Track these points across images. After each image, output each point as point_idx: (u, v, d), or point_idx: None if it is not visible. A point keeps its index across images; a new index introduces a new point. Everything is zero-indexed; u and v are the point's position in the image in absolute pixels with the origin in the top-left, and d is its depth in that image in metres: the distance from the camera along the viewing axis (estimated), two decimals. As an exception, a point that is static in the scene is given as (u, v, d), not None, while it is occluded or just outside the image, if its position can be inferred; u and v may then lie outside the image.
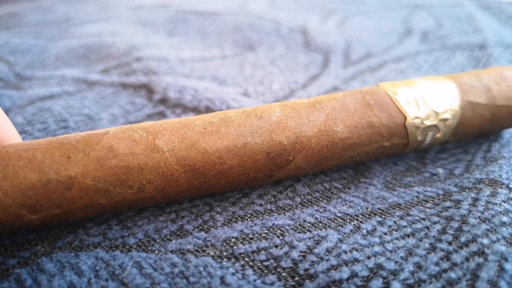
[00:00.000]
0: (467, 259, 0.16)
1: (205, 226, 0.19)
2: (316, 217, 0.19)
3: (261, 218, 0.19)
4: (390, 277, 0.16)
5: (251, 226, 0.18)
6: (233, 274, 0.16)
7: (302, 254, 0.17)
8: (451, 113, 0.21)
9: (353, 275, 0.16)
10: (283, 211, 0.19)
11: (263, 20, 0.48)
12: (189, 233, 0.18)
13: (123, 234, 0.18)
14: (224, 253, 0.17)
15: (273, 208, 0.20)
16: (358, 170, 0.22)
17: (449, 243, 0.17)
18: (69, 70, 0.35)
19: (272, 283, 0.16)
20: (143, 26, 0.47)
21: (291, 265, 0.16)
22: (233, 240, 0.18)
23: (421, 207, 0.20)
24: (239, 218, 0.19)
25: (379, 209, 0.20)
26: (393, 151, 0.21)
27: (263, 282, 0.16)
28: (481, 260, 0.16)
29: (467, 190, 0.20)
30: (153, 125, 0.18)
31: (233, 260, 0.17)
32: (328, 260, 0.17)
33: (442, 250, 0.17)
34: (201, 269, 0.16)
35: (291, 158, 0.19)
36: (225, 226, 0.18)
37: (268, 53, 0.40)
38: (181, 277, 0.16)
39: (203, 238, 0.18)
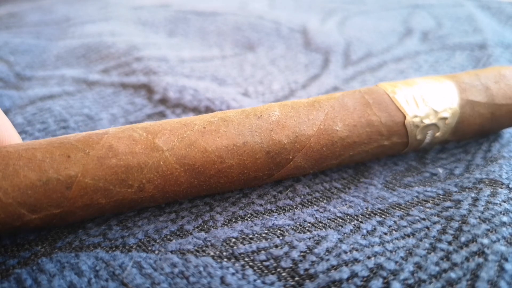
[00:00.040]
0: (467, 259, 0.16)
1: (205, 226, 0.19)
2: (316, 217, 0.19)
3: (261, 218, 0.19)
4: (390, 277, 0.16)
5: (251, 226, 0.18)
6: (233, 274, 0.16)
7: (302, 254, 0.17)
8: (450, 111, 0.21)
9: (353, 275, 0.16)
10: (283, 211, 0.19)
11: (263, 20, 0.48)
12: (189, 233, 0.18)
13: (123, 234, 0.18)
14: (224, 253, 0.17)
15: (273, 208, 0.20)
16: (358, 170, 0.22)
17: (449, 243, 0.17)
18: (69, 70, 0.35)
19: (272, 283, 0.16)
20: (143, 26, 0.47)
21: (291, 265, 0.16)
22: (233, 240, 0.18)
23: (421, 207, 0.20)
24: (239, 218, 0.19)
25: (379, 209, 0.20)
26: (393, 151, 0.21)
27: (263, 282, 0.16)
28: (481, 260, 0.16)
29: (467, 190, 0.20)
30: (152, 124, 0.18)
31: (233, 260, 0.17)
32: (328, 260, 0.17)
33: (442, 250, 0.17)
34: (201, 269, 0.16)
35: (290, 157, 0.19)
36: (225, 226, 0.18)
37: (268, 53, 0.40)
38: (181, 277, 0.16)
39: (203, 238, 0.18)
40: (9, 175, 0.15)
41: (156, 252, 0.17)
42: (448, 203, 0.20)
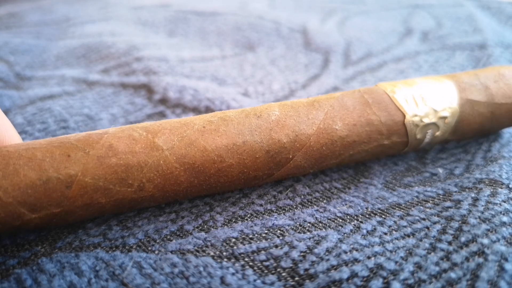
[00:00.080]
0: (467, 259, 0.16)
1: (205, 226, 0.19)
2: (316, 217, 0.19)
3: (261, 218, 0.19)
4: (390, 277, 0.16)
5: (251, 226, 0.18)
6: (233, 274, 0.16)
7: (302, 254, 0.17)
8: (450, 111, 0.21)
9: (353, 275, 0.16)
10: (283, 211, 0.19)
11: (263, 20, 0.48)
12: (189, 233, 0.18)
13: (123, 234, 0.18)
14: (224, 253, 0.17)
15: (273, 208, 0.20)
16: (358, 170, 0.22)
17: (449, 243, 0.17)
18: (69, 70, 0.35)
19: (272, 283, 0.16)
20: (143, 26, 0.47)
21: (291, 265, 0.16)
22: (233, 240, 0.18)
23: (421, 207, 0.20)
24: (239, 218, 0.19)
25: (379, 209, 0.20)
26: (393, 150, 0.21)
27: (263, 282, 0.16)
28: (481, 260, 0.16)
29: (467, 190, 0.20)
30: (152, 124, 0.18)
31: (233, 260, 0.17)
32: (328, 260, 0.17)
33: (442, 250, 0.17)
34: (201, 269, 0.16)
35: (290, 156, 0.19)
36: (225, 226, 0.18)
37: (268, 53, 0.40)
38: (181, 277, 0.16)
39: (203, 238, 0.18)
40: (9, 174, 0.15)
41: (156, 252, 0.17)
42: (448, 203, 0.20)
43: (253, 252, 0.17)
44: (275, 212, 0.19)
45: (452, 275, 0.16)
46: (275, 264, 0.16)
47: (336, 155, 0.20)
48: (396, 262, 0.16)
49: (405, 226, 0.18)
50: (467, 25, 0.45)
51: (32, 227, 0.16)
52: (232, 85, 0.33)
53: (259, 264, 0.17)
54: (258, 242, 0.18)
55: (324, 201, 0.20)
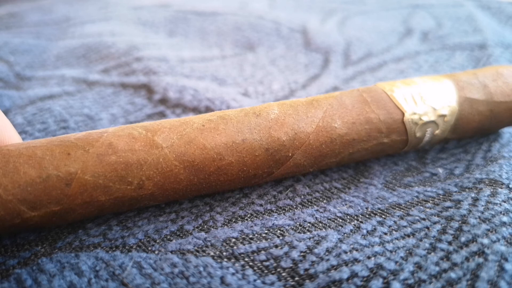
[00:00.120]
0: (467, 259, 0.16)
1: (205, 226, 0.19)
2: (316, 217, 0.19)
3: (261, 218, 0.19)
4: (390, 277, 0.16)
5: (251, 226, 0.18)
6: (233, 274, 0.16)
7: (302, 254, 0.17)
8: (448, 109, 0.21)
9: (353, 275, 0.16)
10: (283, 211, 0.19)
11: (263, 20, 0.48)
12: (189, 233, 0.18)
13: (123, 235, 0.18)
14: (224, 253, 0.17)
15: (273, 208, 0.20)
16: (358, 170, 0.22)
17: (449, 243, 0.17)
18: (69, 70, 0.35)
19: (272, 283, 0.16)
20: (143, 26, 0.47)
21: (291, 265, 0.16)
22: (233, 240, 0.18)
23: (421, 207, 0.20)
24: (239, 218, 0.19)
25: (379, 209, 0.20)
26: (393, 149, 0.21)
27: (263, 282, 0.16)
28: (481, 260, 0.16)
29: (467, 190, 0.20)
30: (152, 123, 0.18)
31: (233, 260, 0.17)
32: (328, 260, 0.17)
33: (442, 250, 0.17)
34: (201, 269, 0.16)
35: (290, 154, 0.19)
36: (225, 226, 0.18)
37: (268, 53, 0.40)
38: (181, 277, 0.16)
39: (203, 238, 0.18)
40: (9, 172, 0.15)
41: (156, 252, 0.17)
42: (448, 203, 0.20)
43: (253, 252, 0.17)
44: (275, 212, 0.19)
45: (452, 275, 0.16)
46: (275, 264, 0.16)
47: (335, 153, 0.20)
48: (396, 262, 0.16)
49: (405, 226, 0.18)
50: (467, 25, 0.45)
51: (32, 225, 0.16)
52: (232, 85, 0.33)
53: (259, 264, 0.17)
54: (258, 242, 0.18)
55: (324, 201, 0.20)
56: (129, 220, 0.19)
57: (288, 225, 0.19)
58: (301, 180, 0.22)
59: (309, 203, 0.20)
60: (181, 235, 0.18)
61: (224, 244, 0.18)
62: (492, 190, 0.20)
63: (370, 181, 0.21)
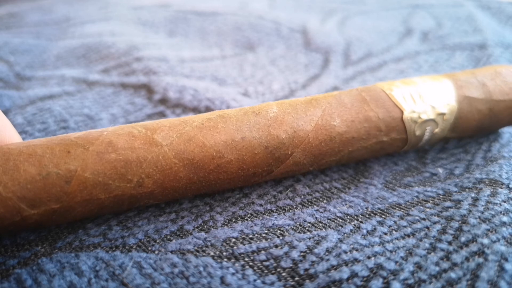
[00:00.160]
0: (467, 259, 0.16)
1: (205, 226, 0.19)
2: (316, 217, 0.19)
3: (261, 218, 0.19)
4: (390, 277, 0.16)
5: (251, 226, 0.18)
6: (233, 274, 0.16)
7: (302, 254, 0.17)
8: (448, 107, 0.21)
9: (353, 275, 0.16)
10: (283, 211, 0.19)
11: (263, 20, 0.48)
12: (189, 233, 0.18)
13: (123, 234, 0.18)
14: (224, 253, 0.17)
15: (273, 208, 0.20)
16: (358, 170, 0.22)
17: (449, 243, 0.17)
18: (69, 70, 0.35)
19: (272, 283, 0.16)
20: (143, 26, 0.47)
21: (291, 265, 0.16)
22: (233, 240, 0.18)
23: (421, 207, 0.20)
24: (239, 218, 0.19)
25: (379, 209, 0.20)
26: (393, 147, 0.21)
27: (263, 282, 0.16)
28: (481, 260, 0.16)
29: (467, 190, 0.20)
30: (151, 122, 0.18)
31: (233, 260, 0.17)
32: (328, 260, 0.17)
33: (442, 250, 0.17)
34: (201, 269, 0.16)
35: (289, 153, 0.19)
36: (225, 226, 0.18)
37: (268, 53, 0.40)
38: (181, 277, 0.16)
39: (203, 238, 0.18)
40: (9, 169, 0.15)
41: (156, 252, 0.17)
42: (448, 203, 0.20)
43: (253, 252, 0.17)
44: (275, 212, 0.19)
45: (452, 275, 0.16)
46: (275, 264, 0.16)
47: (335, 151, 0.20)
48: (396, 262, 0.16)
49: (405, 226, 0.18)
50: (467, 25, 0.45)
51: (31, 224, 0.16)
52: (232, 85, 0.33)
53: (259, 264, 0.17)
54: (258, 242, 0.18)
55: (324, 201, 0.20)
56: (129, 220, 0.19)
57: (288, 225, 0.19)
58: (301, 180, 0.22)
59: (309, 203, 0.20)
60: (181, 235, 0.18)
61: (224, 244, 0.18)
62: (492, 190, 0.20)
63: (370, 181, 0.21)
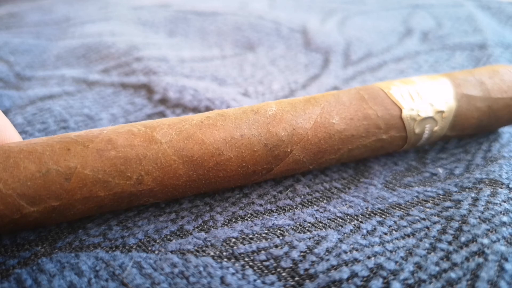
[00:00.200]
0: (467, 259, 0.16)
1: (205, 226, 0.19)
2: (316, 217, 0.19)
3: (261, 218, 0.19)
4: (390, 277, 0.16)
5: (251, 226, 0.18)
6: (233, 274, 0.16)
7: (302, 254, 0.17)
8: (446, 105, 0.21)
9: (353, 275, 0.16)
10: (283, 211, 0.19)
11: (263, 20, 0.48)
12: (189, 233, 0.18)
13: (123, 234, 0.18)
14: (224, 253, 0.17)
15: (273, 208, 0.20)
16: (358, 170, 0.22)
17: (449, 243, 0.17)
18: (69, 70, 0.35)
19: (272, 283, 0.16)
20: (143, 26, 0.47)
21: (291, 265, 0.16)
22: (233, 240, 0.18)
23: (421, 207, 0.20)
24: (239, 218, 0.19)
25: (379, 209, 0.20)
26: (392, 146, 0.21)
27: (263, 282, 0.16)
28: (481, 260, 0.16)
29: (467, 190, 0.20)
30: (151, 121, 0.18)
31: (233, 260, 0.17)
32: (328, 260, 0.17)
33: (442, 250, 0.17)
34: (201, 269, 0.16)
35: (289, 150, 0.19)
36: (225, 226, 0.18)
37: (268, 53, 0.40)
38: (181, 277, 0.16)
39: (203, 238, 0.18)
40: (9, 166, 0.15)
41: (156, 252, 0.17)
42: (448, 203, 0.20)
43: (253, 252, 0.17)
44: (275, 212, 0.19)
45: (452, 275, 0.16)
46: (275, 264, 0.16)
47: (334, 149, 0.20)
48: (396, 262, 0.16)
49: (405, 226, 0.18)
50: (467, 25, 0.45)
51: (31, 222, 0.16)
52: (232, 85, 0.33)
53: (259, 264, 0.17)
54: (258, 242, 0.18)
55: (324, 201, 0.20)
56: (129, 220, 0.19)
57: (288, 225, 0.19)
58: (301, 180, 0.22)
59: (309, 203, 0.20)
60: (181, 235, 0.18)
61: (224, 244, 0.18)
62: (492, 190, 0.20)
63: (370, 181, 0.21)
